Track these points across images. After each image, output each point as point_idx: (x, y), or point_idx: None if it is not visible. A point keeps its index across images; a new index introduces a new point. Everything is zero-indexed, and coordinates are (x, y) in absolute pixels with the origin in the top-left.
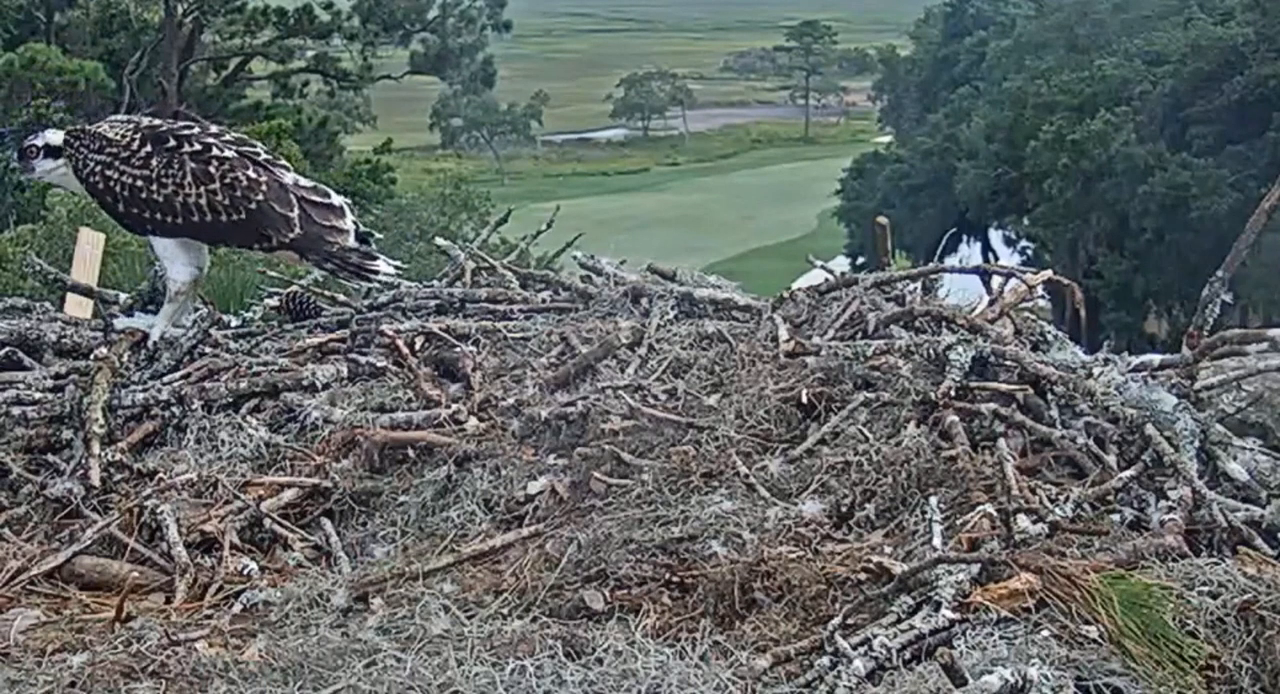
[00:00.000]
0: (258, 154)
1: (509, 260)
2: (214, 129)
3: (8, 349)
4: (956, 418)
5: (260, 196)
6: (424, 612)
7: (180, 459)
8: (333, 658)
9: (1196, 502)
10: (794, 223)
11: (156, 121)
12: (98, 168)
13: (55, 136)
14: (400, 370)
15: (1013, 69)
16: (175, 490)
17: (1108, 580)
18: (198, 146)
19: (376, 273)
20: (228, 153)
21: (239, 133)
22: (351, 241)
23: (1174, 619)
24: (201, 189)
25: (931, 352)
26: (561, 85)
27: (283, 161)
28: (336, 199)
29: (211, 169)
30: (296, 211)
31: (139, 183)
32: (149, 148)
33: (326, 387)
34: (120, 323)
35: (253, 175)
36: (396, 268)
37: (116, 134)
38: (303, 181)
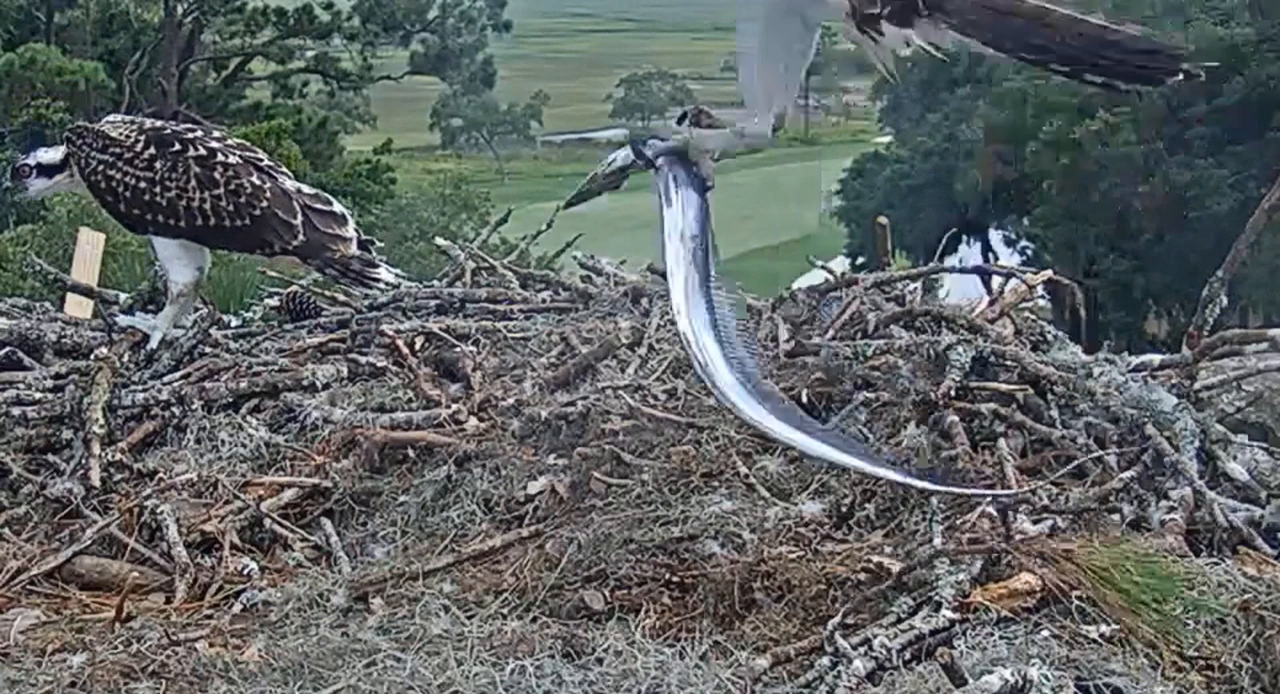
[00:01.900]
0: (260, 161)
1: (509, 260)
2: (216, 133)
3: (8, 349)
4: (956, 418)
5: (265, 203)
6: (424, 612)
7: (180, 459)
8: (333, 658)
9: (1196, 502)
10: (794, 223)
11: (159, 123)
12: (100, 166)
13: (49, 154)
14: (400, 370)
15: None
16: (175, 490)
17: (1115, 553)
18: (203, 151)
19: (378, 280)
20: (232, 158)
21: (238, 134)
22: (354, 249)
23: (1178, 600)
24: (206, 194)
25: (931, 351)
26: (562, 85)
27: (284, 169)
28: (338, 207)
29: (216, 174)
30: (300, 218)
31: (142, 184)
32: (153, 149)
33: (326, 387)
34: (123, 321)
35: (257, 182)
36: (398, 275)
37: (120, 134)
38: (305, 189)
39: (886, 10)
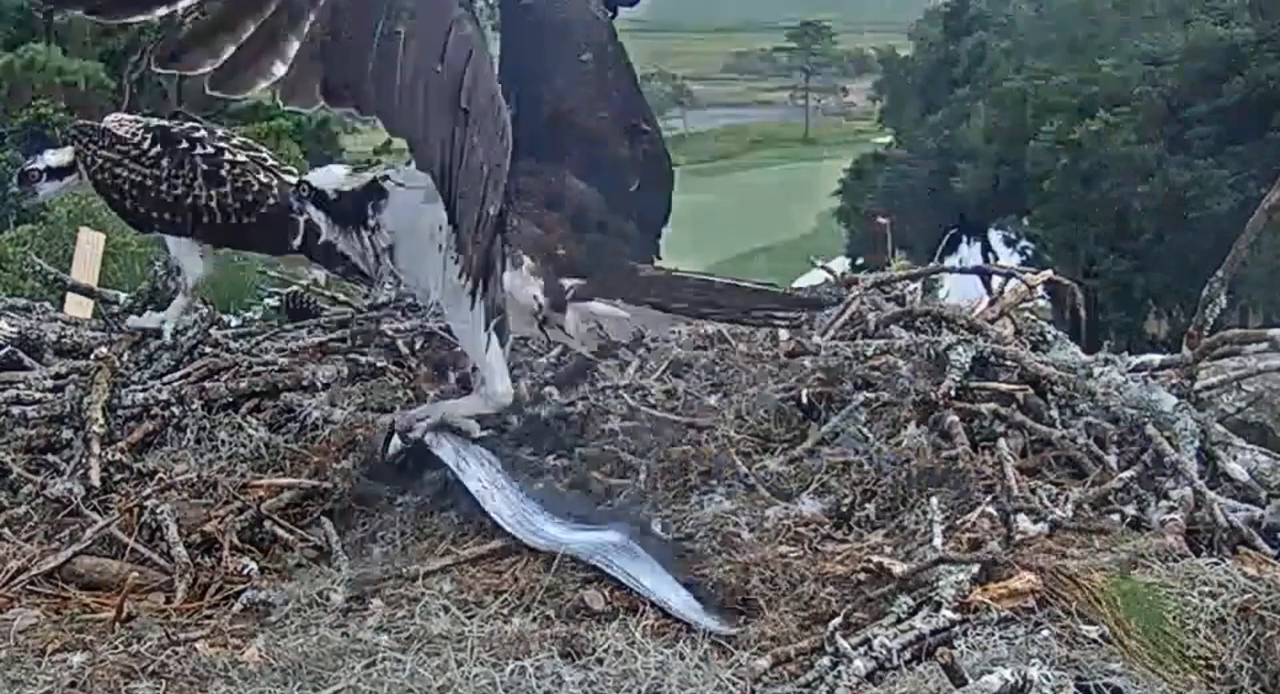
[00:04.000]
0: (266, 160)
1: None
2: (220, 132)
3: (8, 349)
4: (956, 418)
5: (273, 201)
6: (424, 612)
7: (180, 459)
8: (333, 658)
9: (1196, 502)
10: (794, 223)
11: (165, 121)
12: (107, 164)
13: (57, 157)
14: (400, 370)
15: (1013, 69)
16: (175, 490)
17: (1111, 581)
18: (209, 149)
19: (385, 276)
20: (240, 157)
21: (239, 134)
22: None
23: (1175, 618)
24: (213, 191)
25: (931, 351)
26: None
27: (290, 168)
28: None
29: (223, 172)
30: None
31: (148, 182)
32: (159, 147)
33: (326, 386)
34: (132, 322)
35: (264, 179)
36: None
37: (126, 132)
38: None
39: (570, 295)
